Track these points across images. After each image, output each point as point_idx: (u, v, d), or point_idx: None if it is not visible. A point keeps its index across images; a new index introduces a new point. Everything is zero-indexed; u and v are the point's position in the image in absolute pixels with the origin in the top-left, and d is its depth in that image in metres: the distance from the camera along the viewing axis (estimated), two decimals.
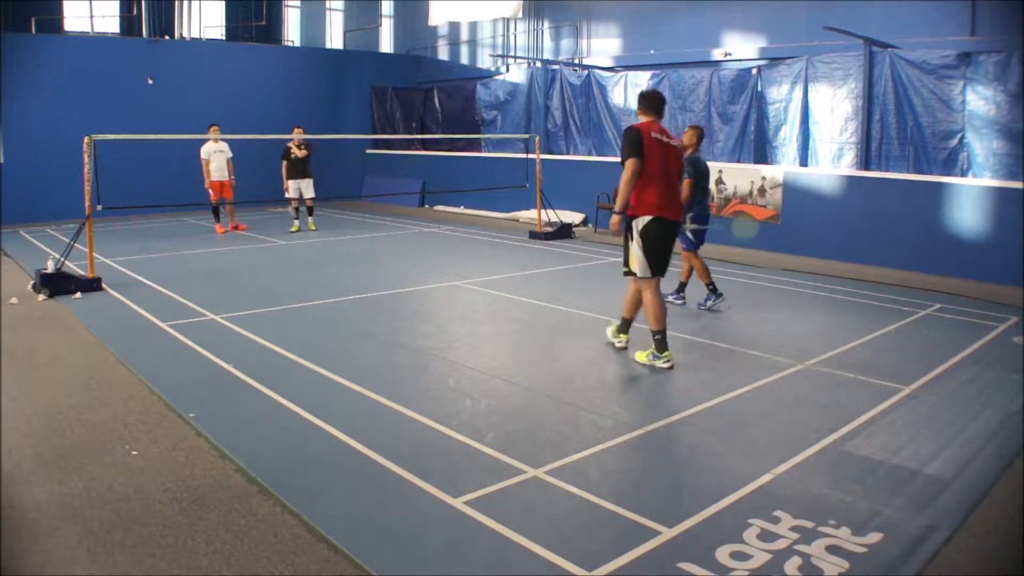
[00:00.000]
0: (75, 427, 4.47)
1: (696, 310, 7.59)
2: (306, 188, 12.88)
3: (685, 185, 6.94)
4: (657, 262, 5.62)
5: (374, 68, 19.83)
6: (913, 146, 10.65)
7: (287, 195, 12.93)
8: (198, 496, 3.62)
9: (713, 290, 7.63)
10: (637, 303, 5.91)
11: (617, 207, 5.58)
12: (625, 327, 6.14)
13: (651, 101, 5.79)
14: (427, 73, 20.21)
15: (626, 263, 5.77)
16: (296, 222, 13.15)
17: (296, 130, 12.69)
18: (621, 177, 5.48)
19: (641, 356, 5.79)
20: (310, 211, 13.19)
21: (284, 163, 12.83)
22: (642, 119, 5.75)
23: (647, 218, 5.53)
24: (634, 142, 5.48)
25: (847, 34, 10.63)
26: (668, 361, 5.64)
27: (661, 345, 5.64)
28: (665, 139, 5.67)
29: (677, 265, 7.47)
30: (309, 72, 18.61)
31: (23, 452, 4.12)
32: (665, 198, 5.54)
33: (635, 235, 5.58)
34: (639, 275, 5.66)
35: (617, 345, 6.13)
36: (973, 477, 3.91)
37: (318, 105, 18.41)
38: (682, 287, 7.89)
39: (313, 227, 13.11)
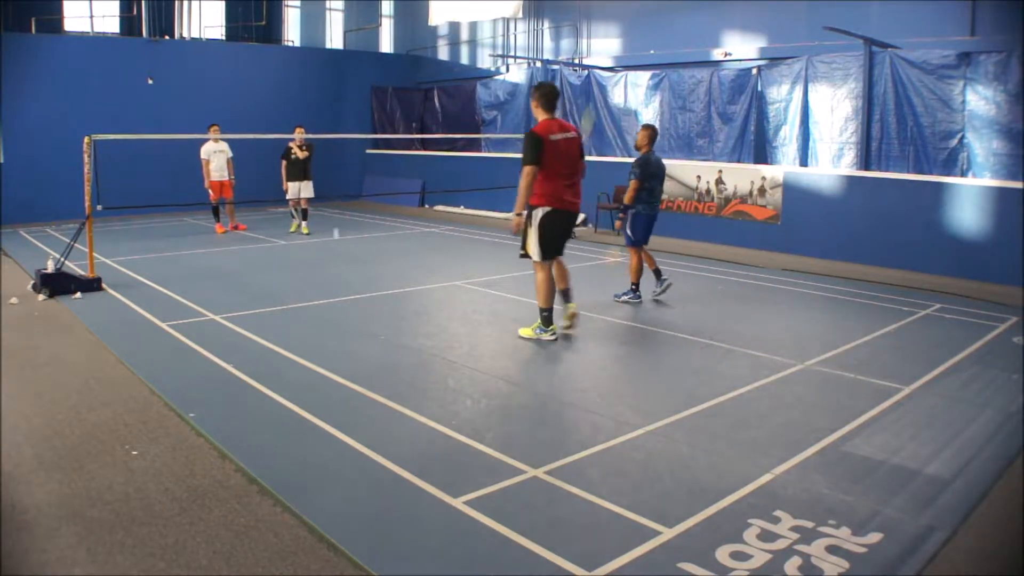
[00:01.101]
0: (75, 427, 4.47)
1: (692, 310, 7.59)
2: (304, 190, 12.67)
3: (631, 186, 7.48)
4: (550, 248, 6.17)
5: (374, 68, 19.83)
6: (913, 146, 10.65)
7: (287, 196, 12.80)
8: (198, 496, 3.62)
9: (635, 290, 7.79)
10: (551, 291, 6.32)
11: (516, 209, 6.07)
12: (548, 320, 6.41)
13: (548, 97, 6.15)
14: (427, 73, 20.21)
15: (523, 247, 6.29)
16: (295, 221, 13.04)
17: (298, 130, 12.59)
18: (520, 181, 5.97)
19: (525, 331, 6.41)
20: (304, 214, 12.91)
21: (284, 163, 12.71)
22: (538, 115, 6.18)
23: (546, 209, 6.07)
24: (534, 147, 5.92)
25: (847, 34, 10.63)
26: (553, 334, 6.29)
27: (547, 321, 6.30)
28: (563, 135, 6.10)
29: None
30: (309, 72, 18.61)
31: (23, 452, 4.12)
32: (563, 190, 6.09)
33: (534, 223, 6.10)
34: (533, 258, 6.20)
35: (546, 338, 6.36)
36: (973, 477, 3.91)
37: (318, 105, 18.41)
38: (637, 285, 7.89)
39: (306, 231, 12.83)
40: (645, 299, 7.88)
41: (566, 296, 6.54)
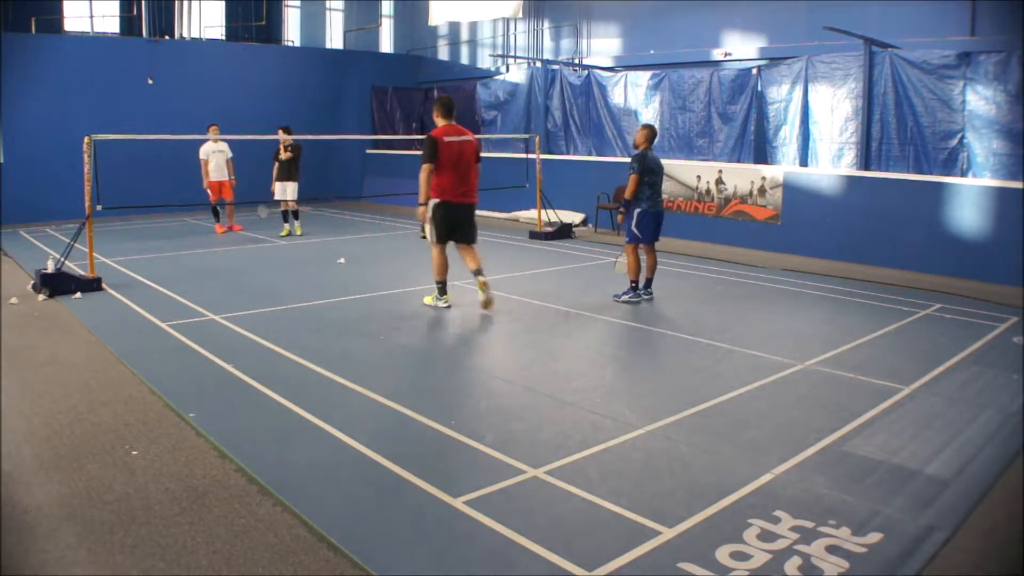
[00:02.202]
0: (75, 427, 4.47)
1: (692, 310, 7.59)
2: (290, 191, 12.48)
3: (631, 181, 7.59)
4: (445, 233, 7.23)
5: (374, 68, 19.83)
6: (913, 146, 10.65)
7: (274, 196, 12.60)
8: (198, 496, 3.62)
9: (635, 288, 7.74)
10: (443, 265, 7.38)
11: (420, 200, 7.11)
12: (442, 290, 7.51)
13: (446, 106, 7.32)
14: (427, 73, 20.20)
15: (423, 229, 7.52)
16: (286, 225, 12.79)
17: (280, 132, 12.37)
18: (420, 176, 7.01)
19: (428, 300, 7.58)
20: (295, 215, 12.80)
21: (276, 164, 12.57)
22: (438, 121, 7.28)
23: (436, 201, 7.14)
24: (430, 148, 7.00)
25: (847, 34, 10.63)
26: (447, 303, 7.48)
27: (442, 290, 7.50)
28: (459, 139, 7.17)
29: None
30: (309, 72, 18.61)
31: (23, 452, 4.12)
32: (454, 186, 7.11)
33: (430, 211, 7.16)
34: (429, 240, 7.33)
35: (441, 305, 7.47)
36: (973, 477, 3.91)
37: (318, 105, 18.41)
38: (648, 283, 7.90)
39: (299, 231, 12.74)
40: (645, 299, 7.87)
41: (478, 273, 7.35)
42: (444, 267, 7.38)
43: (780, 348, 6.17)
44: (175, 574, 2.99)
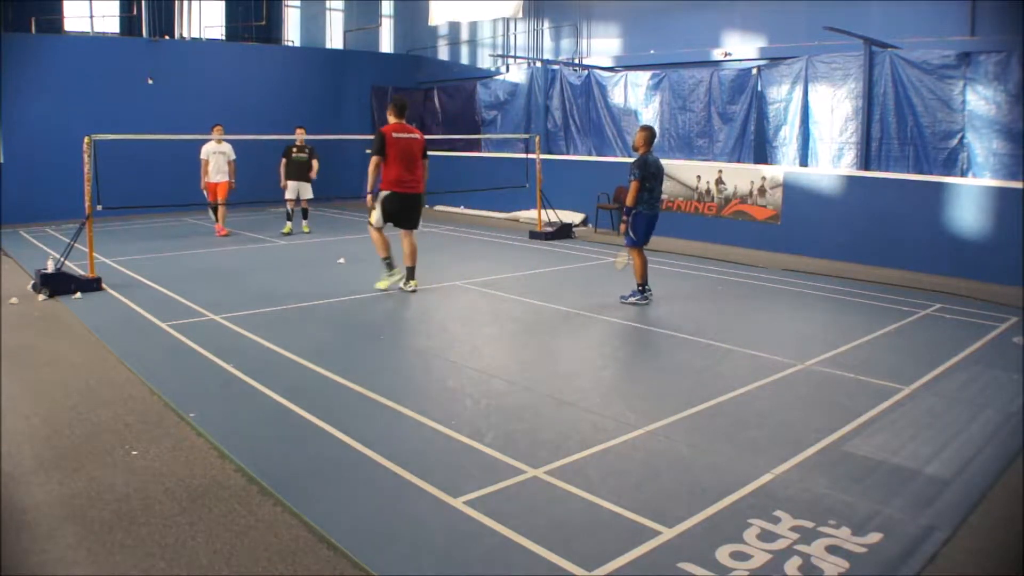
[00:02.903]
0: (75, 427, 4.47)
1: (692, 310, 7.59)
2: (304, 190, 12.74)
3: (632, 187, 7.55)
4: (392, 219, 8.00)
5: (374, 68, 19.82)
6: (913, 146, 10.65)
7: (286, 194, 12.78)
8: (198, 496, 3.62)
9: (641, 290, 7.71)
10: (384, 243, 8.10)
11: (368, 189, 7.90)
12: (389, 265, 8.18)
13: (399, 106, 8.02)
14: (427, 73, 20.20)
15: (369, 215, 8.10)
16: (289, 223, 12.94)
17: (298, 131, 12.63)
18: (368, 168, 7.83)
19: (381, 284, 8.12)
20: (304, 213, 13.02)
21: (283, 160, 12.69)
22: (390, 119, 7.97)
23: (386, 192, 7.88)
24: (378, 142, 7.79)
25: (847, 34, 10.63)
26: (399, 277, 8.14)
27: (388, 266, 8.14)
28: (406, 135, 7.90)
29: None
30: (309, 72, 18.60)
31: (23, 452, 4.12)
32: (401, 178, 7.83)
33: (379, 201, 7.91)
34: (374, 224, 8.02)
35: (395, 281, 8.17)
36: (973, 477, 3.91)
37: (318, 105, 18.40)
38: (642, 286, 7.83)
39: (307, 229, 12.97)
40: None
41: (411, 274, 8.12)
42: (385, 243, 8.10)
43: (780, 348, 6.17)
44: (175, 574, 2.99)
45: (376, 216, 7.99)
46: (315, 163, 12.80)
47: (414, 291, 8.10)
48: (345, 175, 18.75)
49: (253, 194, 13.74)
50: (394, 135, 7.78)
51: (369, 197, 7.91)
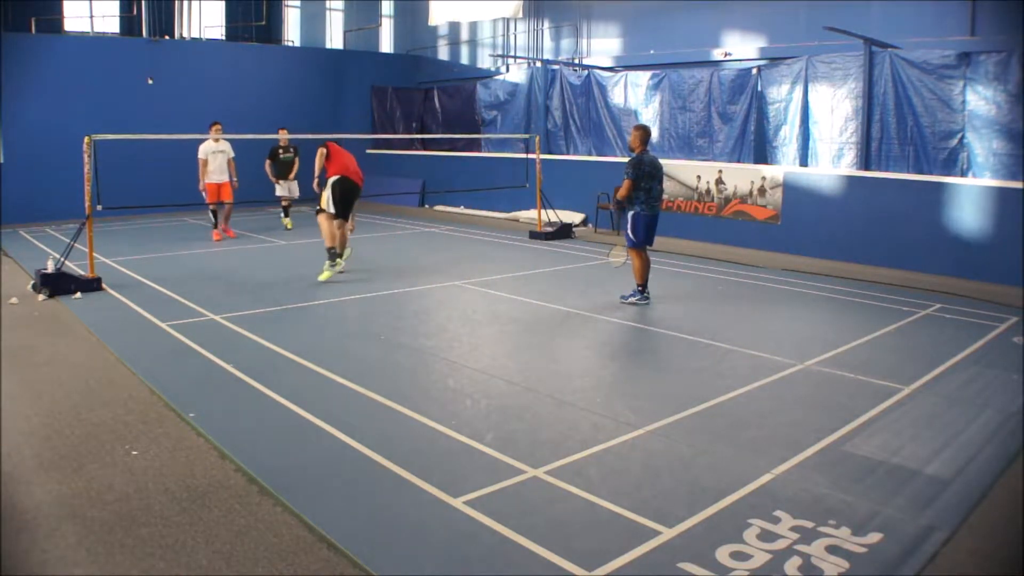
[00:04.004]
0: (75, 427, 4.47)
1: (692, 310, 7.58)
2: (293, 188, 13.38)
3: (624, 185, 7.52)
4: (339, 206, 8.81)
5: (374, 68, 19.83)
6: (913, 146, 10.64)
7: (276, 192, 13.41)
8: (198, 496, 3.62)
9: (641, 290, 7.69)
10: (332, 234, 8.79)
11: (316, 185, 9.28)
12: (333, 255, 8.81)
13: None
14: (427, 73, 20.20)
15: (319, 203, 9.00)
16: (288, 220, 13.63)
17: (281, 132, 12.86)
18: (315, 163, 8.95)
19: (324, 276, 8.73)
20: (286, 211, 13.69)
21: (269, 161, 13.27)
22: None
23: (336, 177, 8.84)
24: (325, 149, 9.02)
25: (847, 34, 10.63)
26: (342, 267, 8.94)
27: (332, 256, 8.80)
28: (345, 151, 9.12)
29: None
30: (309, 72, 18.60)
31: (23, 452, 4.12)
32: (347, 168, 8.90)
33: (328, 187, 8.84)
34: (325, 209, 8.82)
35: (339, 270, 8.88)
36: (973, 477, 3.91)
37: (318, 105, 18.40)
38: (643, 286, 7.82)
39: (289, 226, 13.50)
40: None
41: (340, 255, 8.92)
42: (332, 234, 8.82)
43: (780, 348, 6.17)
44: (175, 574, 2.99)
45: (328, 202, 8.82)
46: (297, 161, 13.37)
47: (342, 272, 8.98)
48: None
49: (253, 194, 13.74)
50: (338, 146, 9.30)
51: (316, 181, 9.24)
